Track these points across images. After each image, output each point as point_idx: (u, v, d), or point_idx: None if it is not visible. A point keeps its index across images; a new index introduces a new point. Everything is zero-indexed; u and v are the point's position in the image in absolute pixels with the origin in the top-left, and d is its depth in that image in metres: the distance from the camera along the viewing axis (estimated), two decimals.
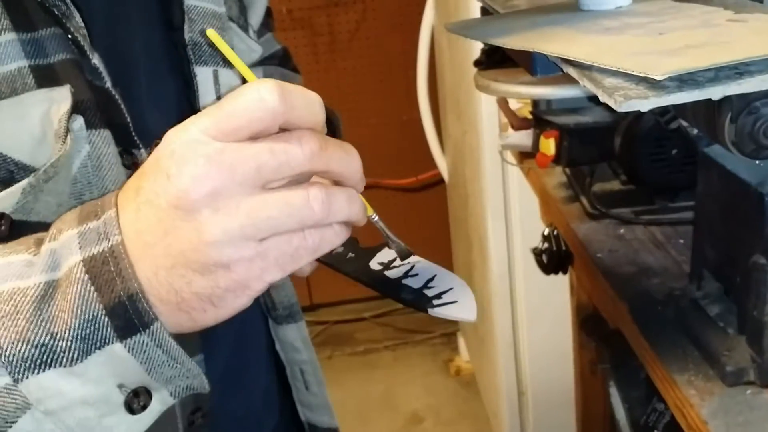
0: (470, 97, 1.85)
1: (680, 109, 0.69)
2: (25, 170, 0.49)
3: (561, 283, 1.38)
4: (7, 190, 0.48)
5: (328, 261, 0.57)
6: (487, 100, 1.72)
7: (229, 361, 0.67)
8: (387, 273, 0.57)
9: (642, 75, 0.45)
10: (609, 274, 0.91)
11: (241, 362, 0.69)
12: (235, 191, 0.41)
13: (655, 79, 0.44)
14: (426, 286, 0.55)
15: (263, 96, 0.42)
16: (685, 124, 0.68)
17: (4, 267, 0.44)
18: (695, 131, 0.68)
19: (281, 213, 0.42)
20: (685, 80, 0.45)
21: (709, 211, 0.78)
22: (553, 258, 1.21)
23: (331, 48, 2.75)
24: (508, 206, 1.84)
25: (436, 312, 0.53)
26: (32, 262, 0.44)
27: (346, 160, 0.45)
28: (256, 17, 0.76)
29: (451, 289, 0.54)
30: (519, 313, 1.91)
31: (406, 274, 0.56)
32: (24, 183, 0.48)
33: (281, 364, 0.76)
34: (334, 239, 0.45)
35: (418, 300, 0.54)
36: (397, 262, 0.57)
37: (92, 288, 0.42)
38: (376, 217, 0.49)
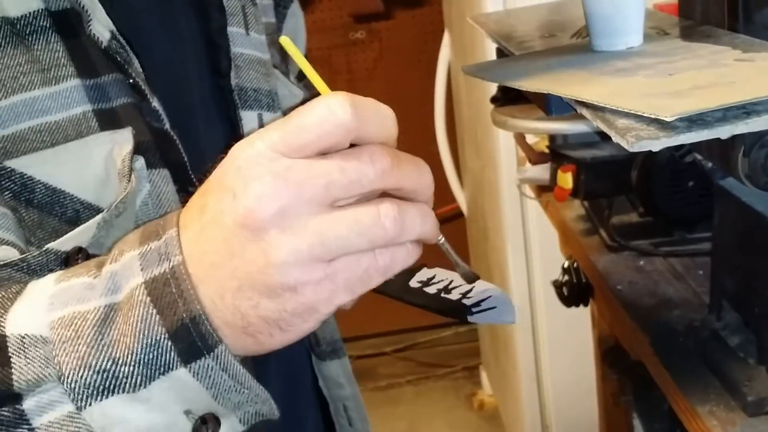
0: (488, 132, 1.87)
1: (694, 144, 0.70)
2: (90, 209, 0.50)
3: (582, 315, 1.38)
4: (83, 226, 0.49)
5: None
6: (504, 134, 1.74)
7: (280, 397, 0.67)
8: (426, 290, 0.59)
9: (653, 116, 0.47)
10: (629, 306, 0.92)
11: (291, 399, 0.68)
12: (302, 210, 0.40)
13: (665, 120, 0.46)
14: (465, 296, 0.56)
15: (334, 110, 0.40)
16: (699, 157, 0.70)
17: (66, 291, 0.43)
18: (710, 164, 0.70)
19: (351, 232, 0.40)
20: (694, 120, 0.46)
21: (726, 243, 0.79)
22: (573, 290, 1.22)
23: (350, 85, 2.79)
24: (527, 239, 1.85)
25: (477, 318, 0.54)
26: (93, 285, 0.43)
27: (419, 175, 0.43)
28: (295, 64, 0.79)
29: (489, 297, 0.56)
30: (541, 346, 1.91)
31: (445, 288, 0.58)
32: (98, 218, 0.49)
33: (324, 401, 0.75)
34: (406, 259, 0.42)
35: (459, 309, 0.55)
36: (436, 279, 0.59)
37: (154, 311, 0.41)
38: (442, 239, 0.46)
